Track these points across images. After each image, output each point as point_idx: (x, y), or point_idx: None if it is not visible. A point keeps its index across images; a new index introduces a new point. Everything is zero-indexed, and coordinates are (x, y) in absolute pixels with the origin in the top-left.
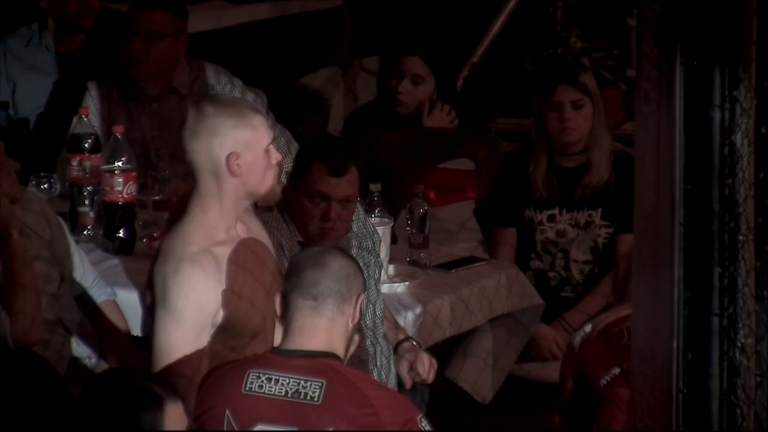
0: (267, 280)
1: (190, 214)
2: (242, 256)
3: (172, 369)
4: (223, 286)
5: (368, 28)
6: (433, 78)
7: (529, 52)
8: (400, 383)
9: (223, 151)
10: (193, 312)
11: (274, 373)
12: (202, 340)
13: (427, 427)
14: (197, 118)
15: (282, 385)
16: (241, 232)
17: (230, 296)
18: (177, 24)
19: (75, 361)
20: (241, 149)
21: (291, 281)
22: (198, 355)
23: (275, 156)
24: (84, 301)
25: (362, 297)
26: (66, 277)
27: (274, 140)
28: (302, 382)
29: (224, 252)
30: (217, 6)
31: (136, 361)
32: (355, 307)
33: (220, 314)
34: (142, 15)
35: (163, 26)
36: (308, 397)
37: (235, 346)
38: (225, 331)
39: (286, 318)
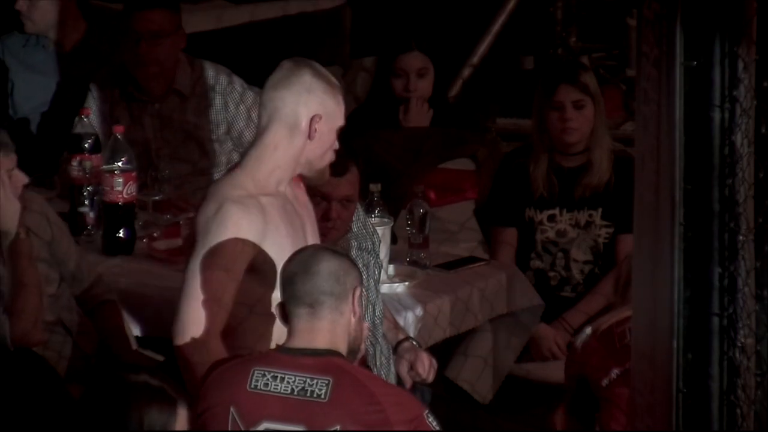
0: (300, 240)
1: (243, 165)
2: (287, 211)
3: (198, 305)
4: (262, 233)
5: (369, 28)
6: (433, 67)
7: (529, 52)
8: (399, 383)
9: (309, 110)
10: (229, 249)
11: (280, 371)
12: (233, 280)
13: (435, 424)
14: (293, 71)
15: (288, 383)
16: (288, 192)
17: (269, 238)
18: (175, 21)
19: (75, 361)
20: (324, 115)
21: (286, 292)
22: (228, 295)
23: (336, 143)
24: (84, 301)
25: (359, 290)
26: (66, 278)
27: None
28: (308, 380)
29: (270, 201)
30: (217, 6)
31: (137, 361)
32: (354, 302)
33: (258, 258)
34: (142, 16)
35: (165, 25)
36: (315, 395)
37: (263, 295)
38: (261, 279)
39: (287, 323)
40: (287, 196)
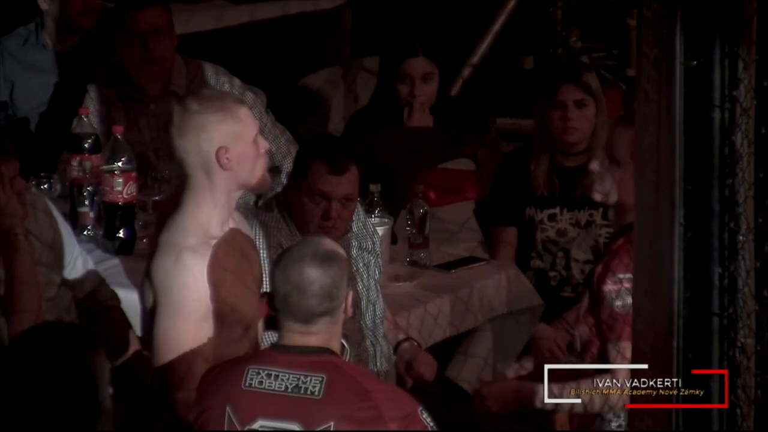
0: (254, 272)
1: (184, 209)
2: (235, 245)
3: (179, 362)
4: (221, 278)
5: (369, 28)
6: (438, 70)
7: (529, 52)
8: (399, 383)
9: (212, 147)
10: (194, 303)
11: (274, 369)
12: (204, 331)
13: (429, 420)
14: (183, 116)
15: (282, 380)
16: (233, 225)
17: (227, 280)
18: (170, 16)
19: None
20: (229, 142)
21: (278, 301)
22: (204, 345)
23: (263, 144)
24: (87, 307)
25: (351, 294)
26: (67, 281)
27: (261, 129)
28: (302, 377)
29: (219, 244)
30: (217, 6)
31: (141, 361)
32: (347, 307)
33: (219, 304)
34: (143, 14)
35: (165, 20)
36: (308, 392)
37: (227, 338)
38: (219, 320)
39: (280, 325)
40: (232, 235)
